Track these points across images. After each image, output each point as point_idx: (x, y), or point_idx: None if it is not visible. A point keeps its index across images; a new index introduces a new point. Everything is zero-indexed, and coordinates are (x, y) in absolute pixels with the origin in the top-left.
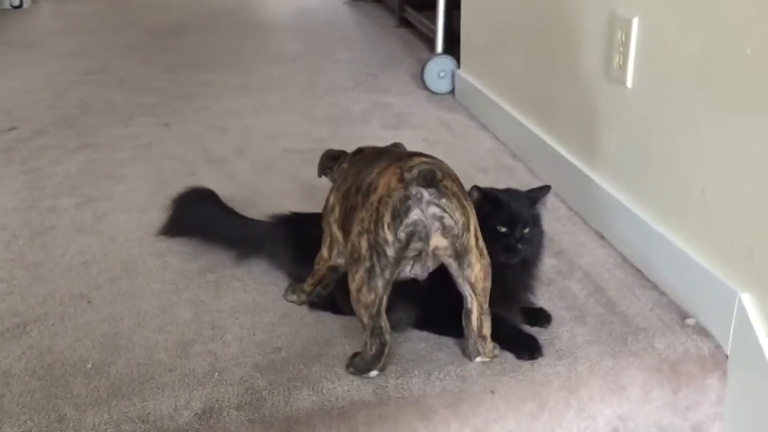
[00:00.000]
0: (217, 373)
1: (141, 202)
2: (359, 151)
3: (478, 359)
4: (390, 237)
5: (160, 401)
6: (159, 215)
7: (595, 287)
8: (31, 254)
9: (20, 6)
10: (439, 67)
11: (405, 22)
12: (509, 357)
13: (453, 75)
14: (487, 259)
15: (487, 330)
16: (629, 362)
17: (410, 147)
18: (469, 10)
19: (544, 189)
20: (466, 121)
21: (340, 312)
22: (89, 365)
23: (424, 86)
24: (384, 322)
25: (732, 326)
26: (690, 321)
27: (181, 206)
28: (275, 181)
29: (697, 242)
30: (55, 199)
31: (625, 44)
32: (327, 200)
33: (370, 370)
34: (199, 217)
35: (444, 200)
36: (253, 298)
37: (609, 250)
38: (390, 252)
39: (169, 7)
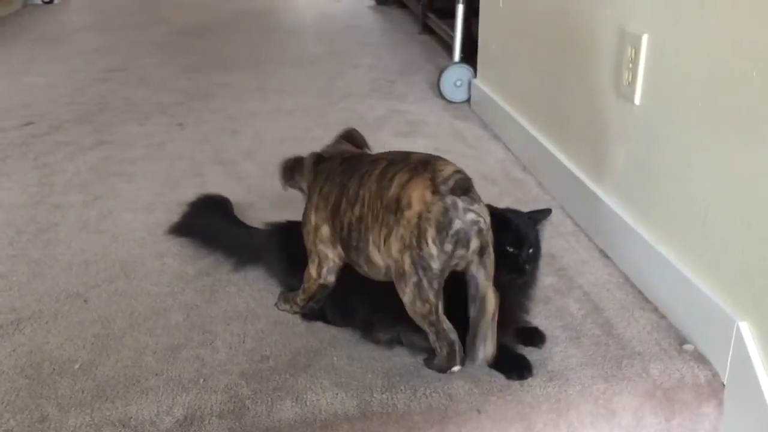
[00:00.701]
0: (202, 380)
1: (147, 202)
2: (321, 158)
3: (473, 364)
4: (435, 250)
5: (142, 406)
6: (164, 216)
7: (594, 307)
8: (33, 251)
9: (51, 1)
10: (455, 76)
11: (428, 29)
12: (498, 376)
13: (470, 84)
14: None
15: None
16: (622, 387)
17: None
18: (486, 19)
19: (545, 212)
20: (480, 132)
21: (331, 323)
22: (77, 366)
23: (441, 94)
24: (446, 323)
25: (730, 354)
26: (688, 347)
27: (193, 210)
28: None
29: (698, 266)
30: (63, 196)
31: (635, 61)
32: (307, 220)
33: (450, 367)
34: (206, 222)
35: (476, 205)
36: (247, 305)
37: (611, 270)
38: (435, 265)
39: (197, 6)
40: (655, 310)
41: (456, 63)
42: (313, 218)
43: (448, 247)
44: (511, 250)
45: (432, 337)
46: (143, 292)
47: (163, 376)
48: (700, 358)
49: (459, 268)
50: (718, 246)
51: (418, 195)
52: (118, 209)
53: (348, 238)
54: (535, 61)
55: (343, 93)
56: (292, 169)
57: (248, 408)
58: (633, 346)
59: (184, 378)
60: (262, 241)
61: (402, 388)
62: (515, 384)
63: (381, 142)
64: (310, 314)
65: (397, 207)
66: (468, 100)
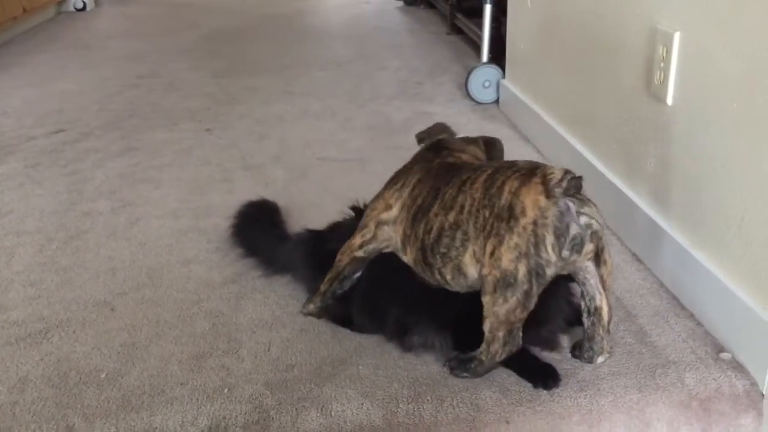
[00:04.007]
0: (227, 389)
1: (174, 209)
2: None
3: (600, 359)
4: (553, 257)
5: (167, 416)
6: (191, 222)
7: (626, 314)
8: (62, 258)
9: (84, 9)
10: (484, 77)
11: (456, 29)
12: (527, 386)
13: (498, 85)
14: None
15: (610, 323)
16: (656, 397)
17: None
18: (514, 19)
19: None
20: (509, 133)
21: (356, 329)
22: (103, 375)
23: (469, 95)
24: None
25: None
26: (725, 355)
27: (238, 220)
28: (308, 191)
29: (735, 272)
30: (92, 203)
31: (666, 60)
32: (381, 199)
33: (487, 372)
34: (248, 230)
35: (586, 208)
36: (273, 312)
37: (645, 275)
38: (550, 272)
39: (226, 11)
40: (691, 316)
41: (484, 63)
42: (391, 200)
43: (566, 253)
44: None
45: (497, 344)
46: (169, 299)
47: (188, 385)
48: (738, 367)
49: (564, 272)
50: (755, 251)
51: (531, 201)
52: (145, 216)
53: (435, 244)
54: (565, 60)
55: (370, 95)
56: (434, 135)
57: (273, 418)
58: (667, 355)
59: (209, 387)
60: (289, 252)
61: (428, 398)
62: (545, 394)
63: (409, 145)
64: (335, 317)
65: (510, 215)
66: (497, 101)
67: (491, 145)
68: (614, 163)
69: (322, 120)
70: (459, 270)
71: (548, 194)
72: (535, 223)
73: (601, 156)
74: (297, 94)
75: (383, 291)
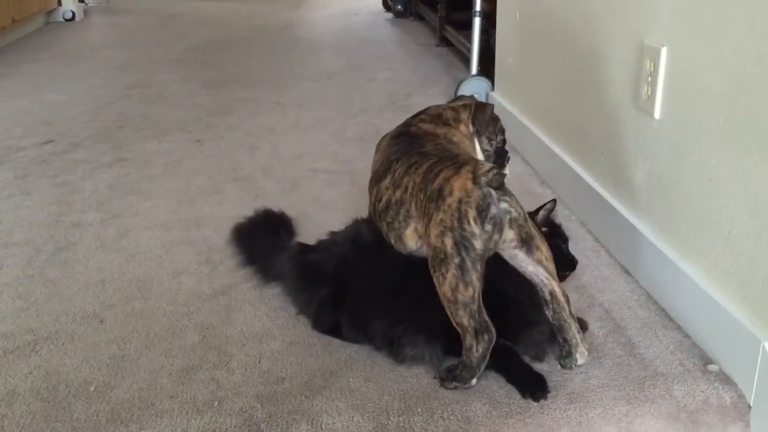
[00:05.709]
0: (217, 402)
1: (164, 220)
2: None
3: (580, 359)
4: (477, 229)
5: (157, 429)
6: (180, 233)
7: (615, 326)
8: (51, 270)
9: (73, 19)
10: (473, 89)
11: (445, 42)
12: (516, 398)
13: (487, 97)
14: (547, 243)
15: (570, 304)
16: (645, 409)
17: None
18: (503, 32)
19: (553, 203)
20: None
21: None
22: (92, 388)
23: None
24: (486, 315)
25: (756, 375)
26: (712, 367)
27: (243, 226)
28: (298, 202)
29: (722, 285)
30: (81, 214)
31: (654, 74)
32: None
33: (474, 376)
34: (250, 238)
35: (507, 197)
36: (263, 324)
37: (633, 287)
38: (478, 244)
39: (215, 22)
40: (679, 328)
41: (474, 76)
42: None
43: (488, 227)
44: (563, 245)
45: (469, 336)
46: (159, 311)
47: (178, 398)
48: (726, 379)
49: (490, 254)
50: (742, 263)
51: (459, 184)
52: (135, 227)
53: (383, 213)
54: (553, 74)
55: (360, 107)
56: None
57: (263, 431)
58: (656, 367)
59: (198, 401)
60: (279, 263)
61: (419, 410)
62: (535, 406)
63: None
64: (321, 324)
65: (439, 196)
66: None
67: (480, 110)
68: (602, 175)
69: (312, 131)
70: (400, 239)
71: (475, 181)
72: (460, 201)
73: (589, 168)
74: (287, 105)
75: (368, 304)
